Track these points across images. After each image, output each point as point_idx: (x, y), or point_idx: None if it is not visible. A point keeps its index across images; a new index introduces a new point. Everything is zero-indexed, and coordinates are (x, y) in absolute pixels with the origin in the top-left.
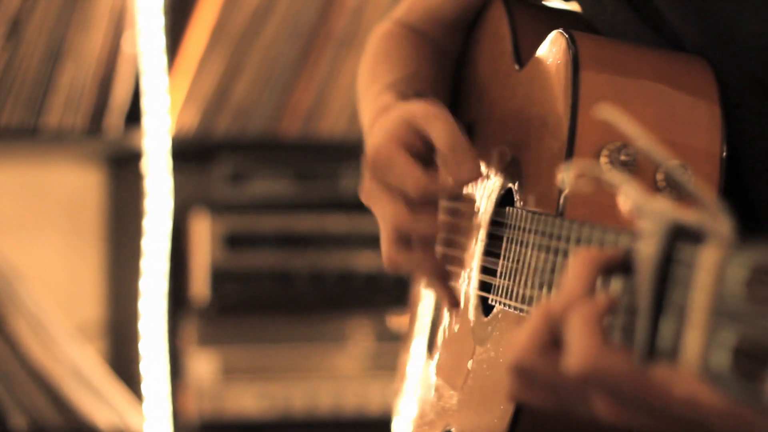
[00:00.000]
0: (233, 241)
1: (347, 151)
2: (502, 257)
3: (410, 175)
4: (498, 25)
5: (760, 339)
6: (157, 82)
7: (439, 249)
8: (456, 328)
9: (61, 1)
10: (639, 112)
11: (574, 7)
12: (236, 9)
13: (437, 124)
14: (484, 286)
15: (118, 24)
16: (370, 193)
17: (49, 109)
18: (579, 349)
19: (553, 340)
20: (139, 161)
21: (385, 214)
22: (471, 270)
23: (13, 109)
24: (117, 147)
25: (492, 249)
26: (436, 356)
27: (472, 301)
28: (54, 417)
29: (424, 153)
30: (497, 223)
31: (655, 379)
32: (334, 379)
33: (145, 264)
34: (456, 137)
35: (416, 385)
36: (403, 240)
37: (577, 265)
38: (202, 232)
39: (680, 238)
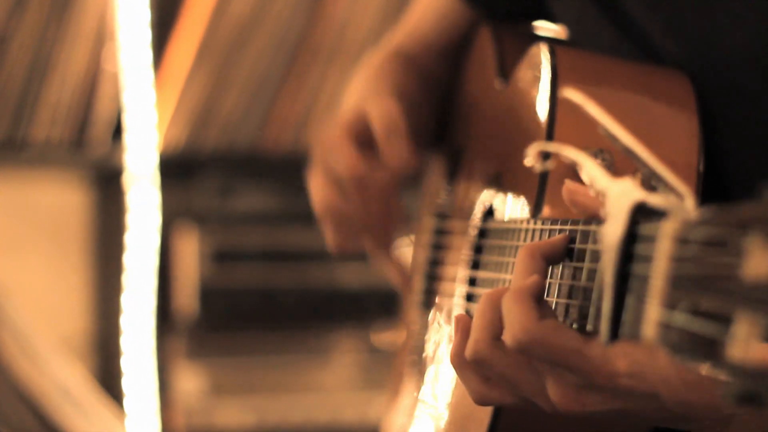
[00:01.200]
0: (220, 256)
1: None
2: (483, 267)
3: (344, 157)
4: (484, 48)
5: (716, 306)
6: (144, 97)
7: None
8: (444, 343)
9: (47, 18)
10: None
11: (558, 30)
12: (222, 24)
13: (376, 106)
14: (471, 299)
15: (104, 41)
16: (311, 177)
17: (35, 126)
18: (514, 323)
19: (499, 330)
20: (126, 177)
21: (316, 195)
22: (457, 284)
23: (0, 127)
24: (103, 163)
25: (476, 261)
26: (427, 372)
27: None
28: (39, 431)
29: (371, 141)
30: (482, 236)
31: (595, 349)
32: (323, 393)
33: (132, 280)
34: (391, 120)
35: (407, 402)
36: (340, 220)
37: (520, 257)
38: (190, 247)
39: (643, 217)
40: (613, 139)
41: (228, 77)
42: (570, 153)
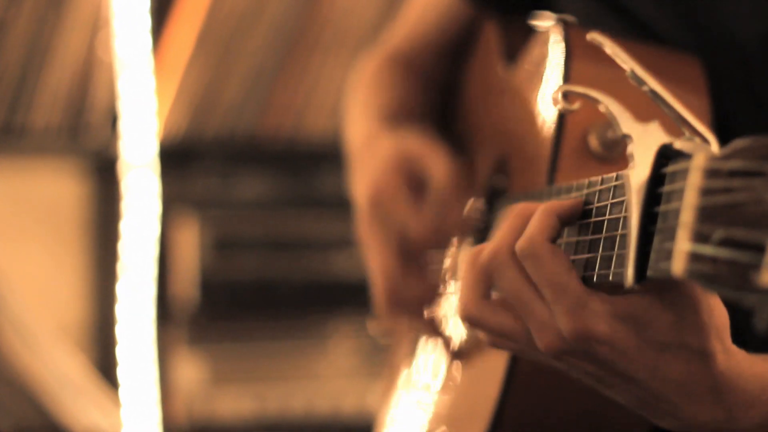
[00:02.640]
0: (220, 244)
1: (335, 153)
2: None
3: (415, 216)
4: (489, 40)
5: (747, 235)
6: (143, 85)
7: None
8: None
9: (45, 6)
10: (628, 103)
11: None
12: (222, 11)
13: (437, 162)
14: None
15: (103, 29)
16: (365, 232)
17: (33, 114)
18: (531, 229)
19: (488, 288)
20: (125, 165)
21: (377, 266)
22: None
23: None
24: (102, 151)
25: (482, 239)
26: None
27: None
28: (38, 420)
29: (415, 188)
30: (489, 215)
31: (576, 290)
32: (323, 381)
33: (132, 268)
34: (451, 177)
35: (402, 391)
36: (395, 298)
37: (537, 214)
38: (189, 235)
39: (670, 158)
40: (641, 82)
41: (228, 64)
42: (596, 95)
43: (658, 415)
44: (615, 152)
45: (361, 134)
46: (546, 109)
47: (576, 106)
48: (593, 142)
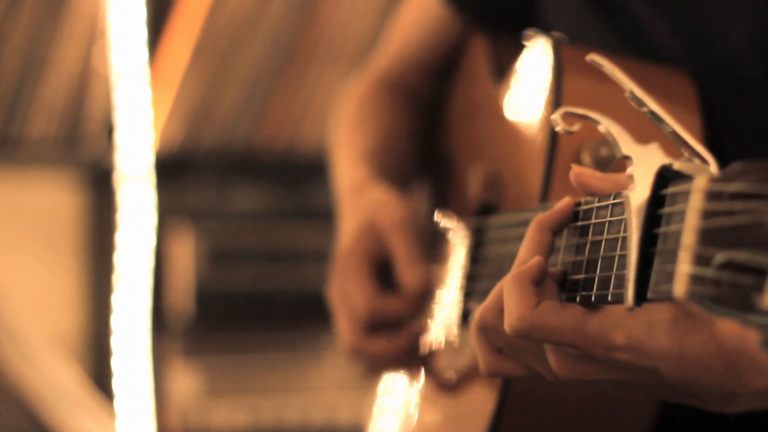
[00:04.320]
0: (216, 255)
1: (329, 165)
2: (482, 262)
3: (362, 295)
4: (477, 55)
5: (748, 257)
6: (139, 96)
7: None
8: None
9: (42, 17)
10: (619, 119)
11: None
12: (218, 23)
13: (398, 236)
14: (469, 295)
15: (99, 40)
16: (333, 297)
17: (29, 125)
18: (511, 309)
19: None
20: (121, 176)
21: (340, 330)
22: (454, 281)
23: None
24: (98, 162)
25: (475, 256)
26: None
27: (455, 314)
28: (34, 431)
29: (382, 259)
30: (481, 232)
31: (593, 323)
32: (317, 393)
33: (127, 279)
34: (413, 252)
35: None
36: (362, 358)
37: (529, 230)
38: (185, 246)
39: (670, 180)
40: (641, 103)
41: (224, 76)
42: (597, 116)
43: (680, 398)
44: (608, 169)
45: (348, 180)
46: (538, 126)
47: (576, 128)
48: (586, 159)
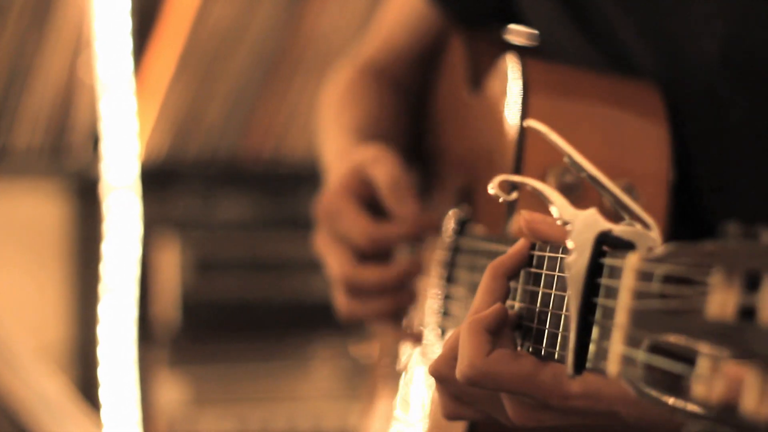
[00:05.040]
0: (202, 266)
1: (315, 174)
2: (456, 283)
3: (356, 224)
4: (455, 56)
5: (679, 343)
6: (124, 106)
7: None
8: (421, 356)
9: (26, 28)
10: (587, 136)
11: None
12: (203, 34)
13: (378, 167)
14: (446, 313)
15: (85, 50)
16: (320, 244)
17: (14, 136)
18: (464, 356)
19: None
20: (107, 186)
21: (333, 266)
22: (432, 300)
23: None
24: (83, 172)
25: (450, 276)
26: (404, 388)
27: (433, 329)
28: None
29: (373, 199)
30: (456, 251)
31: (548, 374)
32: (304, 402)
33: (113, 289)
34: (395, 177)
35: (381, 412)
36: (355, 291)
37: (484, 277)
38: (171, 256)
39: (609, 247)
40: (579, 168)
41: (209, 86)
42: (534, 184)
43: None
44: (573, 195)
45: (333, 150)
46: (506, 144)
47: (514, 196)
48: (551, 183)
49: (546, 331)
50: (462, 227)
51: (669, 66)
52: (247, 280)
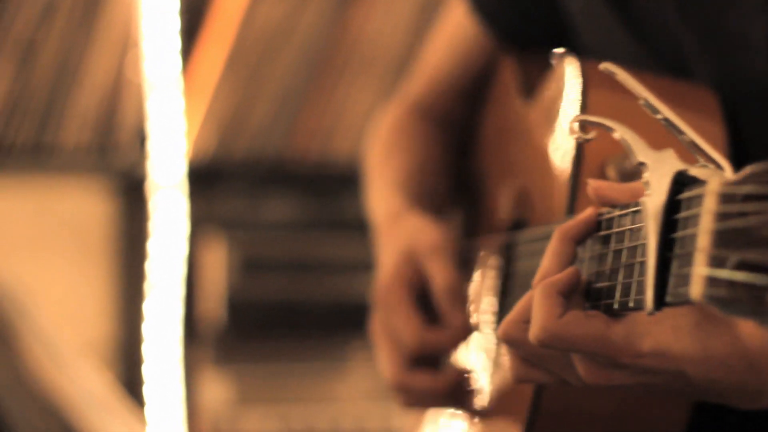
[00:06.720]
0: (248, 265)
1: (359, 176)
2: (513, 278)
3: (408, 326)
4: (506, 75)
5: (762, 258)
6: (172, 105)
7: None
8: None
9: (75, 27)
10: (644, 134)
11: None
12: (251, 33)
13: (435, 264)
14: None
15: (133, 49)
16: (375, 331)
17: (62, 133)
18: (537, 319)
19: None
20: (153, 185)
21: (385, 366)
22: (486, 296)
23: (27, 133)
24: (131, 170)
25: (507, 272)
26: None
27: (488, 327)
28: None
29: (424, 290)
30: (511, 248)
31: (618, 332)
32: (347, 402)
33: (159, 287)
34: (451, 282)
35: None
36: (406, 394)
37: (552, 241)
38: (217, 255)
39: (685, 185)
40: (655, 110)
41: (256, 86)
42: (610, 124)
43: (706, 397)
44: (633, 181)
45: (384, 209)
46: (564, 143)
47: (592, 135)
48: (611, 173)
49: (617, 284)
50: (516, 227)
51: (724, 68)
52: (291, 280)
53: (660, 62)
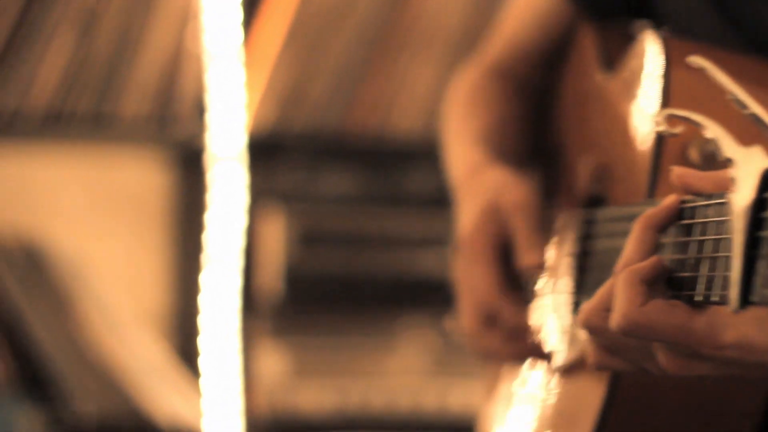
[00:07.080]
0: (307, 238)
1: (421, 151)
2: (592, 256)
3: (485, 285)
4: (585, 46)
5: None
6: (232, 77)
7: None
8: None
9: None
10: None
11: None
12: (312, 5)
13: (519, 220)
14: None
15: (193, 21)
16: (458, 278)
17: (121, 103)
18: (619, 307)
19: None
20: (212, 157)
21: (462, 316)
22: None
23: (87, 103)
24: (189, 142)
25: (585, 249)
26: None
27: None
28: (121, 406)
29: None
30: (590, 224)
31: (701, 322)
32: (405, 377)
33: (217, 259)
34: (532, 237)
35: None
36: (477, 346)
37: (635, 229)
38: (275, 227)
39: None
40: (742, 105)
41: (317, 59)
42: (699, 119)
43: None
44: (716, 164)
45: (462, 164)
46: (644, 122)
47: (678, 130)
48: (693, 154)
49: (700, 276)
50: (594, 203)
51: None
52: (350, 254)
53: (744, 38)
